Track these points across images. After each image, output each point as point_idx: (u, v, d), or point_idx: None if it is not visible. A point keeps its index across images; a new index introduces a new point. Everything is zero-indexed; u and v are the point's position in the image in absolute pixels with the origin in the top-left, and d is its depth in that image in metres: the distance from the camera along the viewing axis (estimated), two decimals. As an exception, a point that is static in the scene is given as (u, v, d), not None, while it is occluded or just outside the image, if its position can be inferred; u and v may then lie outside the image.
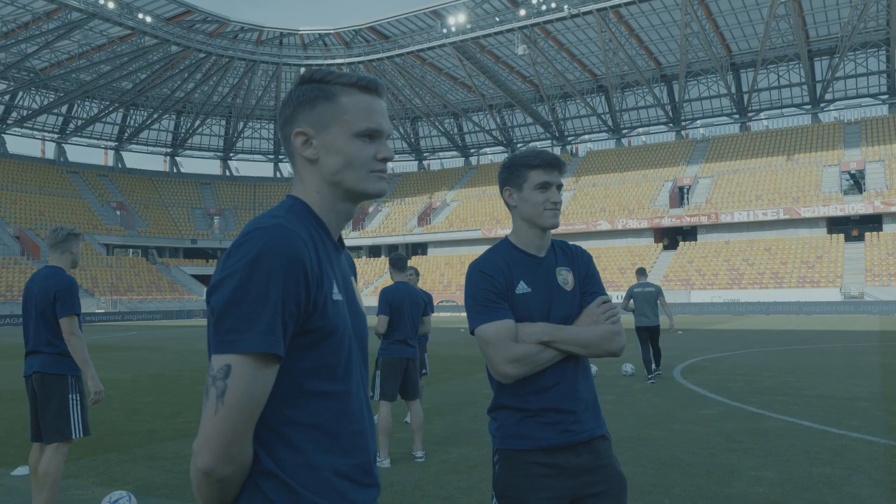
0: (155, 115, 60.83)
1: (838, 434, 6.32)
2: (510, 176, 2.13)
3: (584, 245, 48.52)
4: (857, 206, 40.72)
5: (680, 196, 49.12)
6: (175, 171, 67.07)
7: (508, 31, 46.41)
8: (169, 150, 66.63)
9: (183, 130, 64.77)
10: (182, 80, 55.69)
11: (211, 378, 1.10)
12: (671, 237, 48.19)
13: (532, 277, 2.06)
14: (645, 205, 48.62)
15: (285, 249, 1.13)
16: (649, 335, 10.22)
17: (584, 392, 2.05)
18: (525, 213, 2.09)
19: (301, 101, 1.27)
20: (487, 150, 66.87)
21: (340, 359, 1.21)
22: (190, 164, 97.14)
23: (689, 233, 47.57)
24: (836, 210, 41.21)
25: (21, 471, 5.28)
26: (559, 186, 2.11)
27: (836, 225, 42.59)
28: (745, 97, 53.18)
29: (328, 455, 1.18)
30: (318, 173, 1.27)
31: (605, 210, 49.24)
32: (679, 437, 6.34)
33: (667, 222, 46.35)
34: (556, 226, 2.11)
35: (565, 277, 2.10)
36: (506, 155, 61.29)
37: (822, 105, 51.97)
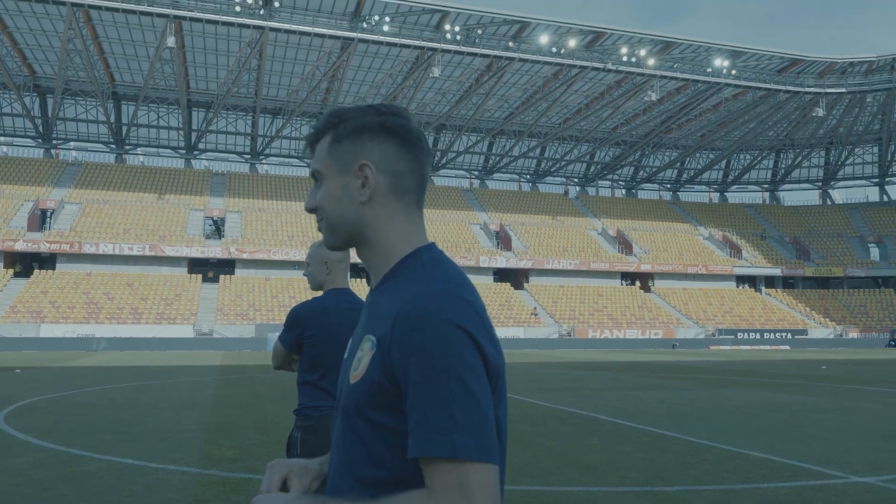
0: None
1: (157, 468, 6.56)
2: None
3: None
4: (215, 250, 44.76)
5: (41, 219, 44.87)
6: None
7: None
8: None
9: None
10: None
11: None
12: (25, 263, 43.36)
13: None
14: (-3, 224, 42.63)
15: None
16: None
17: None
18: None
19: None
20: None
21: None
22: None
23: (47, 260, 43.67)
24: (197, 252, 44.35)
25: None
26: None
27: (197, 266, 45.77)
28: (125, 129, 52.87)
29: None
30: None
31: (-57, 225, 41.11)
32: (-19, 494, 5.53)
33: (21, 246, 41.54)
34: None
35: None
36: None
37: (195, 152, 55.79)
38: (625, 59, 45.25)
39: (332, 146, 1.19)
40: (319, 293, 3.22)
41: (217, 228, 49.03)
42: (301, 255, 45.31)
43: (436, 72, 42.87)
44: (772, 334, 47.06)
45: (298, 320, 3.10)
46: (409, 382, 1.03)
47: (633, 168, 65.48)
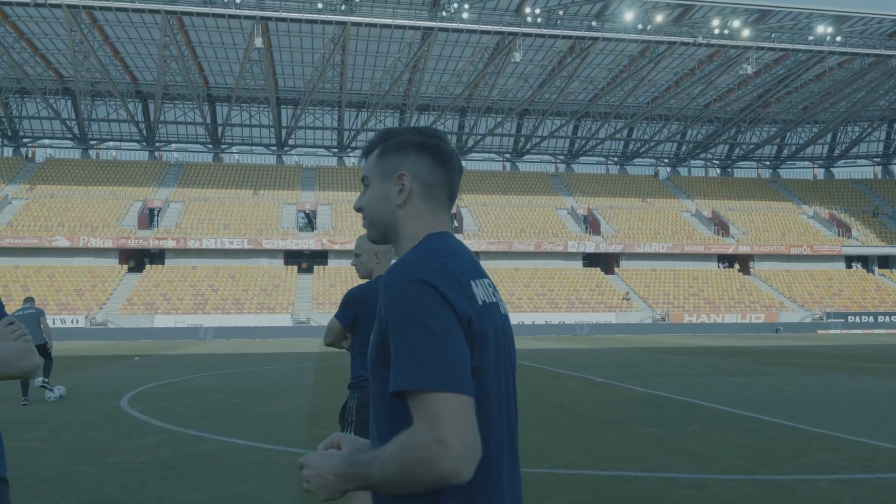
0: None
1: (267, 449, 6.88)
2: None
3: (38, 262, 42.85)
4: (309, 242, 46.27)
5: (150, 218, 47.73)
6: None
7: (-51, 0, 38.09)
8: None
9: None
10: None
11: None
12: (138, 259, 46.27)
13: None
14: (111, 223, 45.62)
15: None
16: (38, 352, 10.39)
17: None
18: None
19: None
20: None
21: None
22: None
23: (156, 256, 46.44)
24: (292, 244, 45.99)
25: None
26: None
27: (292, 257, 47.48)
28: (220, 129, 55.30)
29: None
30: None
31: (65, 225, 44.33)
32: (111, 470, 5.97)
33: (133, 244, 44.37)
34: None
35: None
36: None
37: (285, 148, 57.72)
38: (717, 31, 43.21)
39: (378, 157, 1.44)
40: (367, 280, 3.57)
41: (309, 221, 50.61)
42: (390, 244, 46.08)
43: (517, 56, 42.40)
44: (887, 318, 44.09)
45: (357, 300, 3.42)
46: (389, 335, 1.23)
47: (728, 146, 62.67)
